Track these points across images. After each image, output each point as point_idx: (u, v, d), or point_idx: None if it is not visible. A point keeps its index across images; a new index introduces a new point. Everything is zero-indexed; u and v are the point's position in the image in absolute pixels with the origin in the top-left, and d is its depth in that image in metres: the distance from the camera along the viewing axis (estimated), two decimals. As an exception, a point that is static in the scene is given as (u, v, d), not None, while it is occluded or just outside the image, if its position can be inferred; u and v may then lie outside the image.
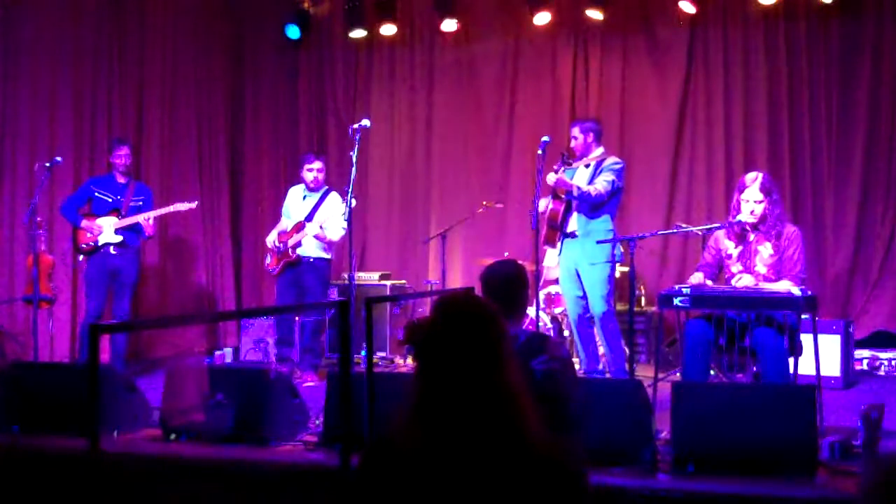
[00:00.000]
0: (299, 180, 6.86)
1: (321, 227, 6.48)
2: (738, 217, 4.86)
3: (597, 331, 5.75)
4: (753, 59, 7.60)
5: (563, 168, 5.75)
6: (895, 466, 2.02)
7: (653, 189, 7.84)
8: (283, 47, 8.79)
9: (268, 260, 6.74)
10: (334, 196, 6.69)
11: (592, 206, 5.71)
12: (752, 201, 4.82)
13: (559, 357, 3.07)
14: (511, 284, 3.21)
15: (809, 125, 7.43)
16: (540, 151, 5.57)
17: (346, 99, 8.91)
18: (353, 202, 5.68)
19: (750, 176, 4.92)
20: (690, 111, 7.83)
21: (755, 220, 4.83)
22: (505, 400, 1.93)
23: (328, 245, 6.67)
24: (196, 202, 6.79)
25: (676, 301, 4.64)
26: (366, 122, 5.68)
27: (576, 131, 5.92)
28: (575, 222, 5.79)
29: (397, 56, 8.75)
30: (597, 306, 5.68)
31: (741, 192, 4.89)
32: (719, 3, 7.71)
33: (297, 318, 6.80)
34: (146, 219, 6.48)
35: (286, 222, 6.78)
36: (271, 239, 6.71)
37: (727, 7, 7.70)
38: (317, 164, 6.71)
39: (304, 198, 6.74)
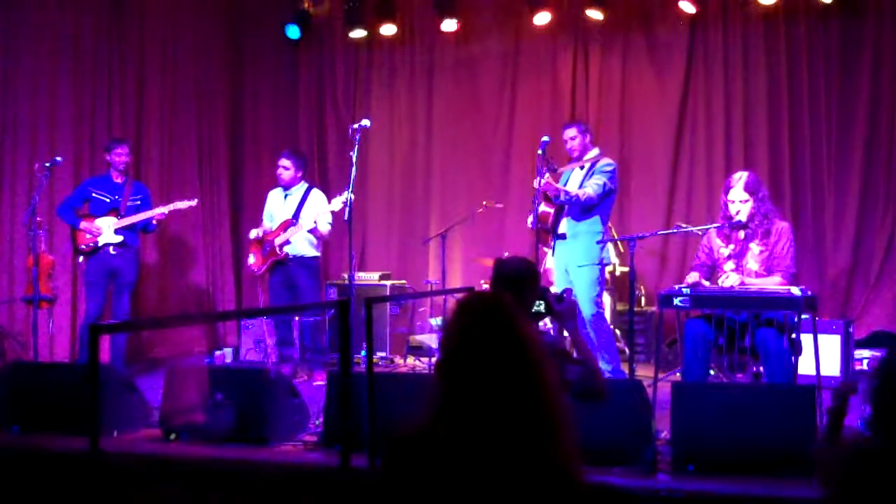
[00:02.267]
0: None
1: (315, 221, 6.48)
2: (731, 218, 4.89)
3: (589, 332, 5.75)
4: (753, 59, 7.59)
5: (548, 172, 5.73)
6: (852, 454, 2.04)
7: (653, 189, 7.83)
8: (283, 47, 8.79)
9: (251, 259, 6.74)
10: (317, 193, 6.73)
11: (582, 209, 5.73)
12: (737, 201, 4.87)
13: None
14: (522, 280, 3.21)
15: (809, 125, 7.42)
16: (540, 151, 5.58)
17: (346, 99, 8.91)
18: (352, 196, 5.69)
19: (735, 176, 4.98)
20: (690, 111, 7.82)
21: (743, 220, 4.86)
22: (540, 404, 1.86)
23: (318, 242, 6.67)
24: (196, 200, 6.79)
25: (676, 301, 4.65)
26: (366, 122, 5.68)
27: (574, 132, 5.93)
28: (565, 224, 5.81)
29: (397, 56, 8.75)
30: (585, 309, 5.69)
31: (726, 192, 4.93)
32: (719, 3, 7.70)
33: (296, 318, 6.80)
34: (152, 217, 6.51)
35: (268, 224, 6.79)
36: (256, 233, 6.71)
37: (727, 7, 7.69)
38: (283, 161, 6.73)
39: (286, 197, 6.75)
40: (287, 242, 6.54)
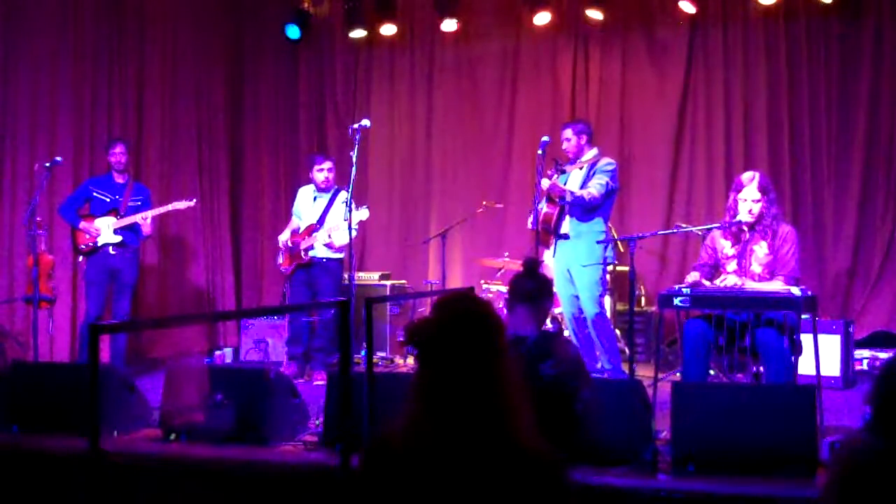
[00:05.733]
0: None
1: (329, 235, 6.50)
2: (737, 217, 4.86)
3: (591, 332, 5.75)
4: (753, 59, 7.59)
5: (556, 174, 5.76)
6: (853, 455, 2.05)
7: (653, 189, 7.84)
8: (283, 47, 8.79)
9: (280, 259, 6.78)
10: (342, 197, 6.70)
11: (585, 209, 5.74)
12: (749, 200, 4.83)
13: (566, 358, 3.11)
14: (538, 291, 3.30)
15: (809, 125, 7.42)
16: (540, 151, 5.59)
17: (346, 99, 8.91)
18: (352, 200, 5.69)
19: (746, 175, 4.93)
20: (690, 111, 7.82)
21: (752, 220, 4.84)
22: (498, 398, 1.96)
23: (337, 248, 6.68)
24: (194, 200, 6.80)
25: (676, 301, 4.64)
26: (366, 122, 5.68)
27: (568, 133, 5.94)
28: (567, 224, 5.81)
29: (397, 56, 8.75)
30: (588, 308, 5.70)
31: (738, 191, 4.89)
32: (719, 3, 7.70)
33: (314, 318, 6.81)
34: (143, 218, 6.48)
35: (297, 222, 6.81)
36: (284, 238, 6.75)
37: (727, 7, 7.69)
38: (327, 165, 6.76)
39: (315, 199, 6.77)
40: (311, 247, 6.58)
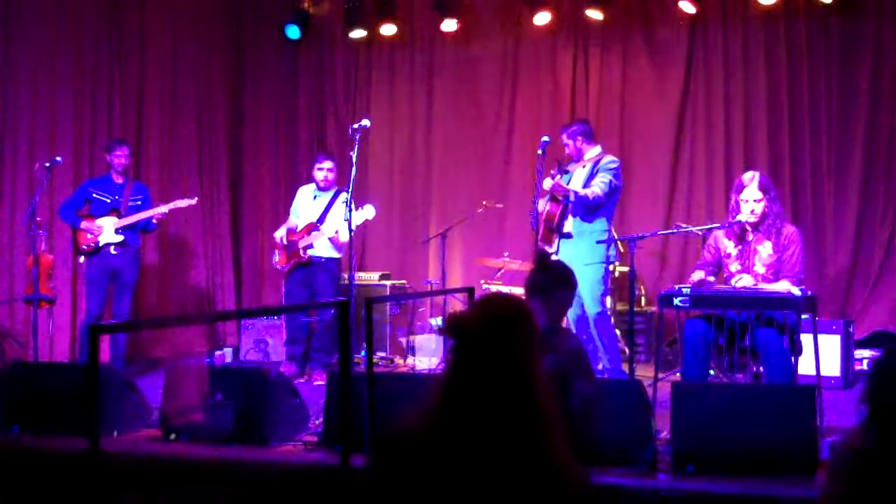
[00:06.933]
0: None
1: (336, 231, 6.50)
2: (738, 217, 4.85)
3: (592, 331, 5.75)
4: (753, 58, 7.59)
5: (558, 174, 5.75)
6: (850, 450, 2.06)
7: (653, 189, 7.83)
8: (283, 47, 8.79)
9: (276, 257, 6.78)
10: (343, 197, 6.70)
11: (588, 208, 5.72)
12: (751, 200, 4.82)
13: (566, 351, 3.08)
14: (549, 284, 3.27)
15: (809, 125, 7.42)
16: (540, 151, 5.58)
17: (346, 99, 8.91)
18: (353, 202, 5.71)
19: (747, 175, 4.92)
20: (690, 111, 7.82)
21: (756, 220, 4.83)
22: (535, 408, 1.93)
23: (339, 245, 6.69)
24: (196, 198, 6.82)
25: (676, 301, 4.64)
26: (366, 122, 5.68)
27: (564, 138, 5.94)
28: (570, 223, 5.80)
29: (397, 56, 8.75)
30: (590, 307, 5.69)
31: (739, 192, 4.88)
32: (719, 3, 7.70)
33: (312, 318, 6.81)
34: (154, 220, 6.53)
35: (295, 220, 6.81)
36: (280, 234, 6.74)
37: (727, 7, 7.69)
38: (327, 164, 6.77)
39: (315, 198, 6.77)
40: (310, 246, 6.58)
